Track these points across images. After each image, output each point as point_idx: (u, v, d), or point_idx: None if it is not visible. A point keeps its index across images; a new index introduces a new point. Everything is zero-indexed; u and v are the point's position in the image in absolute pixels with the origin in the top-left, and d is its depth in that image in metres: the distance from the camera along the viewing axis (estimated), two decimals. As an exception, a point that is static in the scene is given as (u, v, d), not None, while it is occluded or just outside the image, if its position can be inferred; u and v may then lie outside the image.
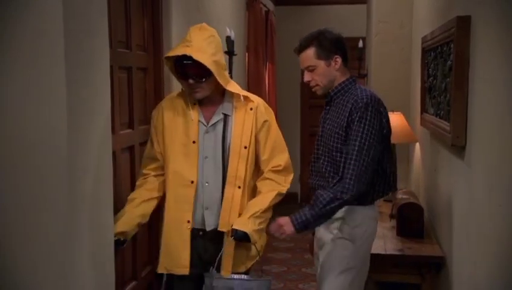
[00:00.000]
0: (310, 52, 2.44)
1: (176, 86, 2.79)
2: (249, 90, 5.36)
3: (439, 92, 2.81)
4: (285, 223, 2.36)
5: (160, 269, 2.43)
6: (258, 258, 2.50)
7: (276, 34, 6.44)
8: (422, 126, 3.44)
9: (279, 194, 2.50)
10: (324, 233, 2.49)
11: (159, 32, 2.87)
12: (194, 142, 2.41)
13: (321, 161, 2.47)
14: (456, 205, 2.50)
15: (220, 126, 2.45)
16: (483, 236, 1.98)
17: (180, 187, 2.40)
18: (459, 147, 2.34)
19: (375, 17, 4.66)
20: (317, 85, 2.48)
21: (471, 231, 2.18)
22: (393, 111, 4.05)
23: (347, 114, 2.35)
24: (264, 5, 6.12)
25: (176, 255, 2.40)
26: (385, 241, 3.04)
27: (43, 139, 1.64)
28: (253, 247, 2.44)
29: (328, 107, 2.51)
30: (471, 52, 2.20)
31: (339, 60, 2.45)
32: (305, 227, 2.36)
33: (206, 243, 2.40)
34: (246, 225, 2.37)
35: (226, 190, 2.41)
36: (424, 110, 3.32)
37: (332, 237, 2.45)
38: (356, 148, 2.30)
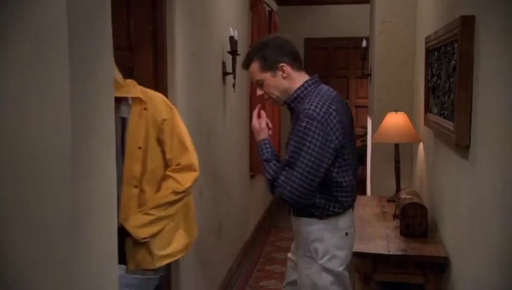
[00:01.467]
0: (254, 66, 2.35)
1: (178, 86, 2.79)
2: (251, 90, 5.38)
3: (443, 92, 2.80)
4: (260, 133, 2.40)
5: None
6: (154, 265, 2.44)
7: (279, 34, 6.44)
8: (426, 126, 3.43)
9: (174, 192, 2.47)
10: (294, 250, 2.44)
11: (163, 32, 2.87)
12: None
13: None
14: (460, 205, 2.50)
15: (119, 129, 2.45)
16: (487, 236, 1.97)
17: None
18: (463, 147, 2.33)
19: (379, 17, 4.65)
20: (270, 98, 2.39)
21: (475, 231, 2.18)
22: (396, 111, 4.06)
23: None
24: (268, 5, 6.12)
25: None
26: (388, 241, 3.03)
27: (46, 139, 1.64)
28: (151, 248, 2.43)
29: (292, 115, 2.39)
30: (475, 51, 2.20)
31: (286, 67, 2.31)
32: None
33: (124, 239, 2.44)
34: (129, 220, 2.41)
35: (123, 189, 2.44)
36: (427, 110, 3.32)
37: (298, 254, 2.38)
38: (298, 163, 2.18)
